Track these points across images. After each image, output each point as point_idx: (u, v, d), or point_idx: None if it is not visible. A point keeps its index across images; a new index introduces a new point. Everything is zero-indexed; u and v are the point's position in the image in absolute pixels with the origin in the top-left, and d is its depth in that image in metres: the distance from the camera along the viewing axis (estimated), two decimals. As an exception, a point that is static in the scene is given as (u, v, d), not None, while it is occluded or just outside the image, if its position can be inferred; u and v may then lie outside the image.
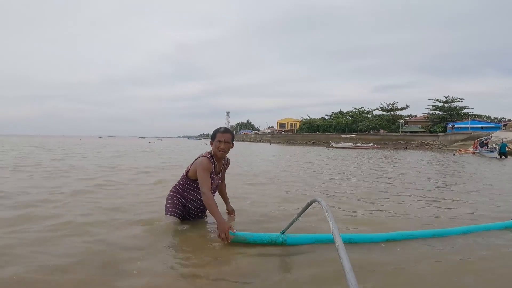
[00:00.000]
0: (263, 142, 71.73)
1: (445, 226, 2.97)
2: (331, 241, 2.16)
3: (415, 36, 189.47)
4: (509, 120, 49.09)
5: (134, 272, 1.81)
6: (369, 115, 63.96)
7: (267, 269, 1.94)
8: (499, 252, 2.39)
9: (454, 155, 24.54)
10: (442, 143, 40.75)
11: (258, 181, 6.05)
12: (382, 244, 2.43)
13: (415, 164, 13.14)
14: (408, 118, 60.87)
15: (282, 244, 2.34)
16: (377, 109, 63.17)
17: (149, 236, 2.42)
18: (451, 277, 1.93)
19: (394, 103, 59.98)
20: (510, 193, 5.44)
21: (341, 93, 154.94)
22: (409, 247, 2.40)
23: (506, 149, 21.18)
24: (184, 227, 2.64)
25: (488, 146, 24.62)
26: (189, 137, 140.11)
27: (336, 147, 40.78)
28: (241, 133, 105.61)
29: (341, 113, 71.06)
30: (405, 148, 41.51)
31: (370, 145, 43.04)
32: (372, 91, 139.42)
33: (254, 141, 79.57)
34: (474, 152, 25.55)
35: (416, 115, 61.55)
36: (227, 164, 2.92)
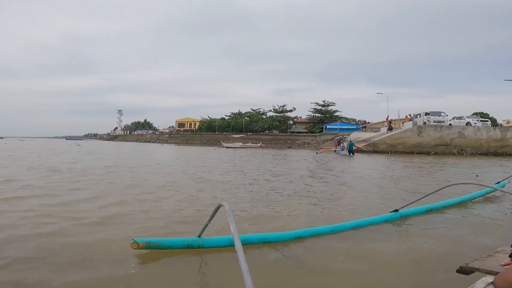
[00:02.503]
0: (159, 142, 67.29)
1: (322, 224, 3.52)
2: (247, 243, 2.33)
3: (318, 44, 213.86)
4: (368, 123, 59.82)
5: None
6: (264, 116, 67.93)
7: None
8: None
9: (317, 153, 27.76)
10: (318, 142, 46.29)
11: None
12: (292, 242, 2.72)
13: (283, 161, 14.25)
14: (295, 119, 67.38)
15: (199, 247, 2.46)
16: (270, 110, 67.77)
17: None
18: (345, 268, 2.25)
19: (284, 105, 65.47)
20: (368, 189, 6.58)
21: (246, 94, 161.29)
22: (311, 244, 2.71)
23: (354, 148, 25.13)
24: None
25: (342, 145, 28.82)
26: (66, 138, 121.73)
27: (227, 147, 41.30)
28: (135, 133, 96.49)
29: (239, 113, 73.16)
30: (289, 147, 45.35)
31: (259, 144, 45.36)
32: (273, 94, 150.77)
33: (149, 141, 74.09)
34: (335, 150, 29.53)
35: (301, 117, 68.70)
36: None
